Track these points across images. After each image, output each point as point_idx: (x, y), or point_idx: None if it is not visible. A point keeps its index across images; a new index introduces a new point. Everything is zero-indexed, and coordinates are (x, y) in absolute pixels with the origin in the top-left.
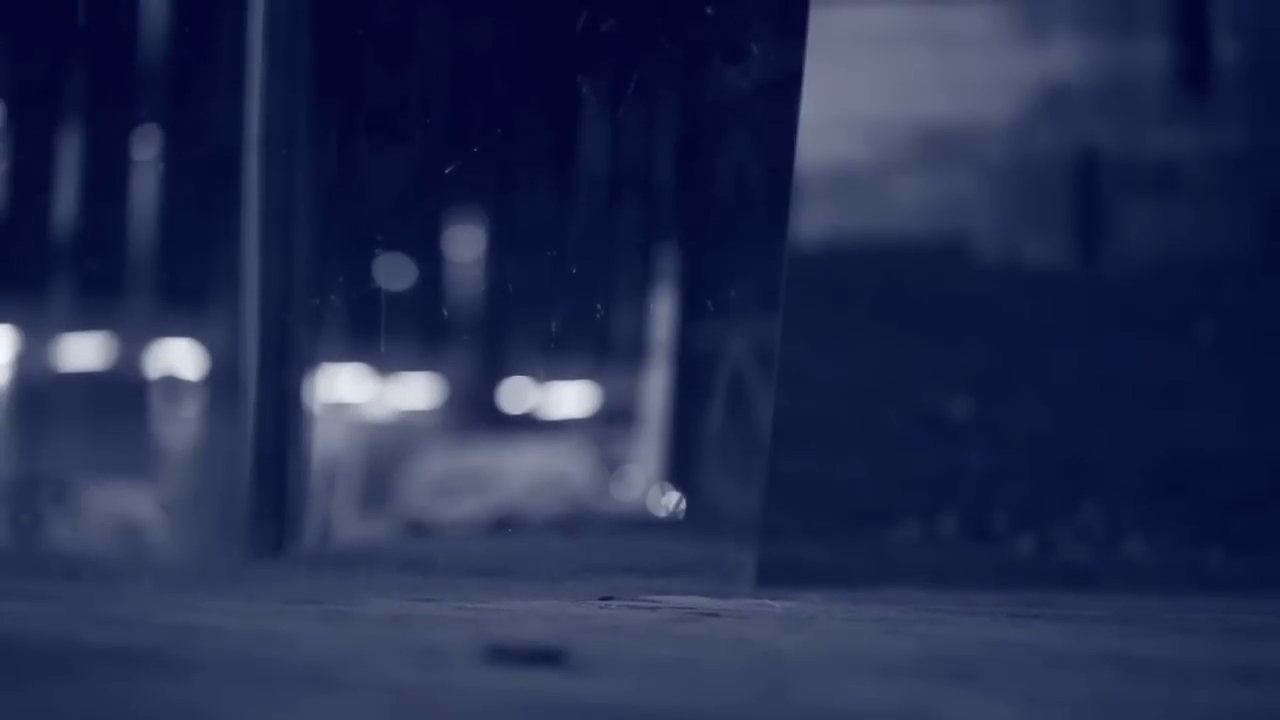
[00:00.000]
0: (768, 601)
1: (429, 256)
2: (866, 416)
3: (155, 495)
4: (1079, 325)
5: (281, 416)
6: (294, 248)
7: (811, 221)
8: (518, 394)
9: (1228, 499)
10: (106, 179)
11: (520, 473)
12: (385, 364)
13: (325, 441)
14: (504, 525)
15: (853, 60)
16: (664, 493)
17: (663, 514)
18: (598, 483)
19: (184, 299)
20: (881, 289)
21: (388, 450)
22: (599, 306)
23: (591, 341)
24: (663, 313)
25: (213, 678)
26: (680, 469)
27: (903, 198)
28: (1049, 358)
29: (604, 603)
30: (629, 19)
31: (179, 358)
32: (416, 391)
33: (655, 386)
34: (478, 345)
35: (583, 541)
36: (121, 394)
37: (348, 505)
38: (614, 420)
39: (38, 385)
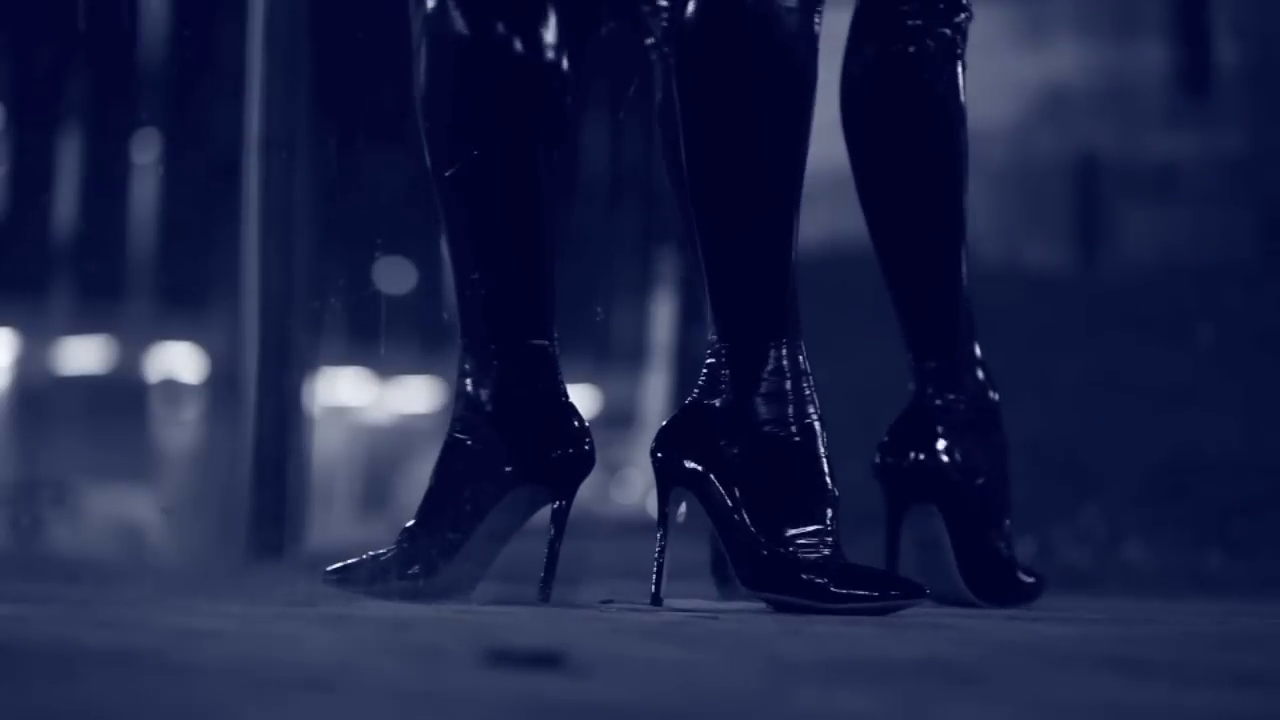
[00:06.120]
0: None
1: (429, 260)
2: (866, 417)
3: (155, 498)
4: (1078, 328)
5: (282, 420)
6: (294, 251)
7: (811, 221)
8: None
9: (1228, 502)
10: (107, 182)
11: None
12: (385, 367)
13: (326, 445)
14: None
15: None
16: None
17: None
18: (598, 485)
19: (184, 302)
20: (881, 289)
21: (388, 453)
22: (599, 309)
23: (592, 344)
24: (663, 315)
25: (213, 681)
26: None
27: None
28: (1048, 360)
29: (604, 605)
30: (629, 20)
31: (179, 361)
32: (417, 394)
33: (656, 388)
34: None
35: (583, 544)
36: (122, 397)
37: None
38: (614, 422)
39: (38, 388)
